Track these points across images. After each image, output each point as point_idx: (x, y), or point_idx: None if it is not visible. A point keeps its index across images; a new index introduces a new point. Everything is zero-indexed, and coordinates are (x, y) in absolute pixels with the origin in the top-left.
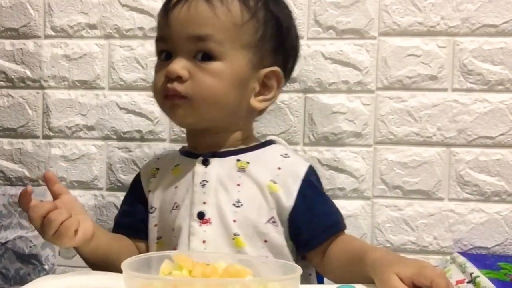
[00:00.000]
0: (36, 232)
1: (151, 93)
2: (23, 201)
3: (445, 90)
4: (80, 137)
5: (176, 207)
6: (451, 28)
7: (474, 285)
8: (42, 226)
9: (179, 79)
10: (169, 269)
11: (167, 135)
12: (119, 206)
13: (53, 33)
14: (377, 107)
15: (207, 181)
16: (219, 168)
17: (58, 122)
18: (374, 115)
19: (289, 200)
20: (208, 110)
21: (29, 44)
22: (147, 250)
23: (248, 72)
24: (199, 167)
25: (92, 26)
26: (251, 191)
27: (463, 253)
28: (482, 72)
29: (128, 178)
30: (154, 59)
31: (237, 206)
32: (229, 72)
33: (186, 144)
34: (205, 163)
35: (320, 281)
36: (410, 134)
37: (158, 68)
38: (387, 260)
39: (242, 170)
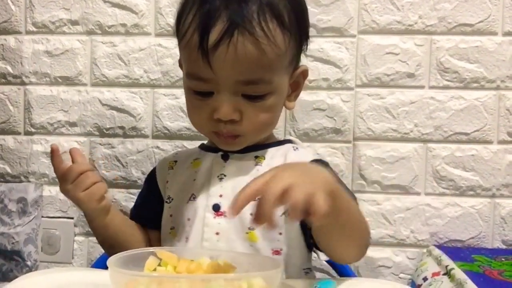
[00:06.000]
0: (18, 229)
1: (133, 89)
2: (55, 159)
3: (422, 87)
4: (62, 134)
5: (193, 198)
6: (428, 27)
7: (449, 277)
8: (77, 181)
9: (232, 121)
10: (154, 265)
11: (150, 131)
12: None
13: (34, 29)
14: (356, 104)
15: (225, 175)
16: (238, 163)
17: (40, 119)
18: (354, 111)
19: None
20: (261, 136)
21: (10, 40)
22: (160, 239)
23: (288, 85)
24: (218, 161)
25: (74, 22)
26: None
27: (439, 246)
28: (458, 70)
29: (110, 175)
30: (136, 55)
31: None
32: (280, 98)
33: (205, 141)
34: (225, 158)
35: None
36: (388, 130)
37: (196, 104)
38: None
39: (259, 164)
